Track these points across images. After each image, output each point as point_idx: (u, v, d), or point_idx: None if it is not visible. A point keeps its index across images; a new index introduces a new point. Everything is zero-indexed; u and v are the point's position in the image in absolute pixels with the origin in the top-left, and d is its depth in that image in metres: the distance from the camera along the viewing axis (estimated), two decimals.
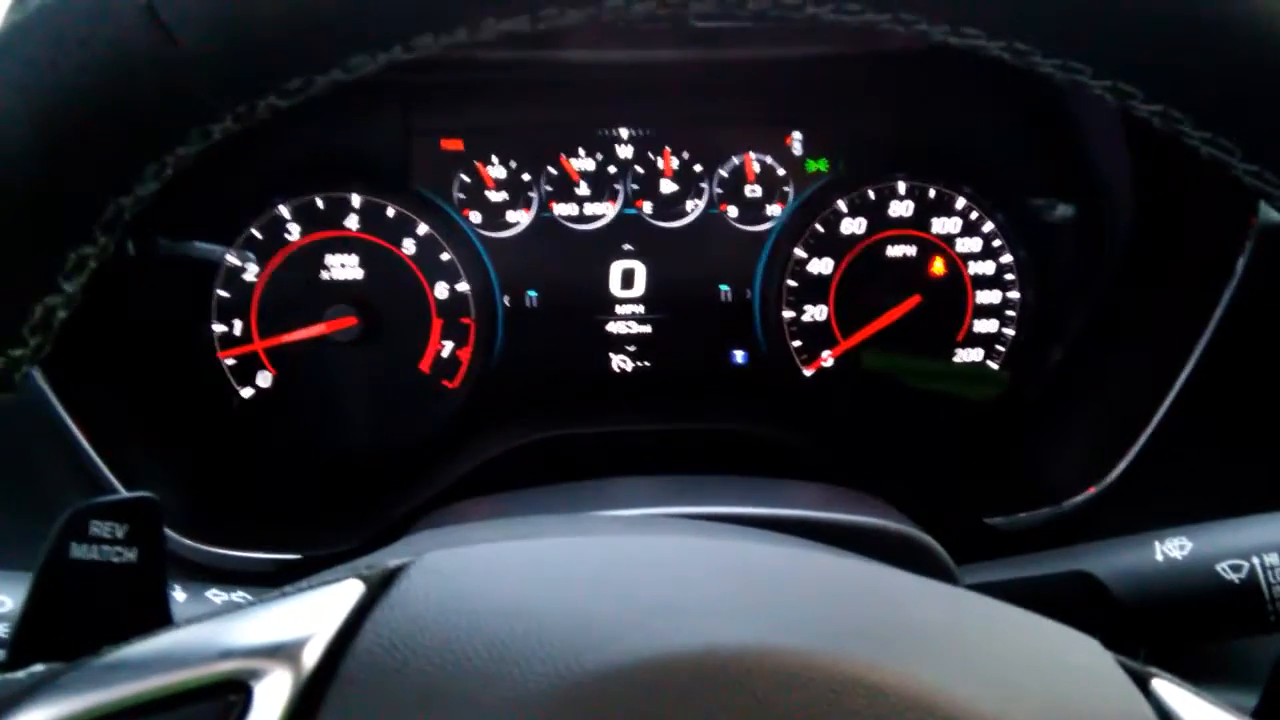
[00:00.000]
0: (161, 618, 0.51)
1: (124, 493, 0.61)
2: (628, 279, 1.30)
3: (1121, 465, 1.04)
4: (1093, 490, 1.04)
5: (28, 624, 0.48)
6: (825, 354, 1.30)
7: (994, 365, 1.30)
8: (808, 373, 1.30)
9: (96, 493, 0.52)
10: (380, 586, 0.43)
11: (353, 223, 1.23)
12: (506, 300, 1.28)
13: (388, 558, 0.46)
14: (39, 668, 0.43)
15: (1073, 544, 0.87)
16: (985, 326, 1.29)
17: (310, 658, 0.39)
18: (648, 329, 1.31)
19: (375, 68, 0.44)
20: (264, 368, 1.23)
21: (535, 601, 0.41)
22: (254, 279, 1.21)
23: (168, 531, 0.96)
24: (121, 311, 1.10)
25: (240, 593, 0.78)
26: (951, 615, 0.45)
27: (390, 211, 1.23)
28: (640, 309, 1.30)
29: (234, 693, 0.38)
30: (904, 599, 0.46)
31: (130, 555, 0.50)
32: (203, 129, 0.42)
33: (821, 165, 1.30)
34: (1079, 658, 0.45)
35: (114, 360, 1.08)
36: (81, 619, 0.49)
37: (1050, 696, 0.40)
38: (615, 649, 0.37)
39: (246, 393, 1.23)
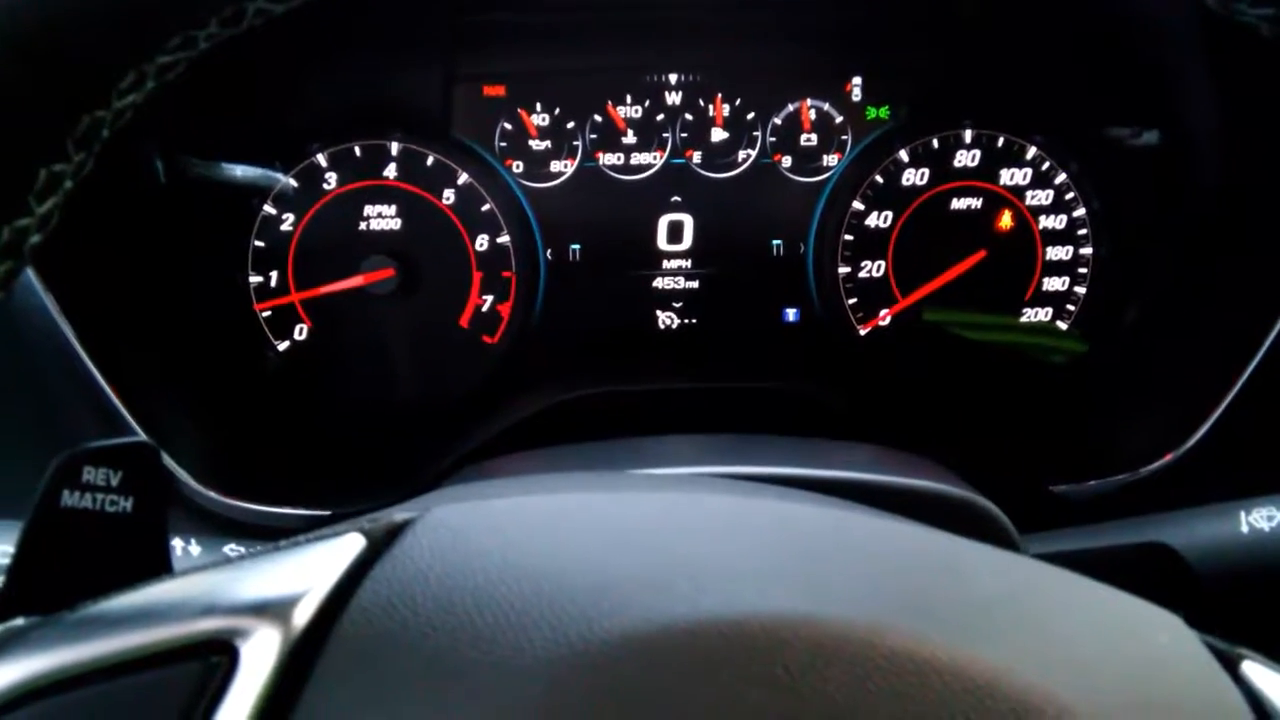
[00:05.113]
0: (160, 571, 0.48)
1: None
2: (675, 232, 1.25)
3: (1203, 429, 0.97)
4: (1170, 456, 0.98)
5: (15, 576, 0.45)
6: (882, 312, 1.24)
7: (1063, 325, 1.23)
8: (863, 331, 1.25)
9: None
10: (383, 542, 0.40)
11: (391, 171, 1.19)
12: (549, 253, 1.24)
13: (397, 512, 0.42)
14: (19, 621, 0.41)
15: (1147, 514, 0.81)
16: (1055, 284, 1.23)
17: (302, 617, 0.36)
18: (695, 285, 1.26)
19: None
20: (300, 320, 1.21)
21: (548, 561, 0.38)
22: (291, 228, 1.19)
23: (190, 482, 0.95)
24: (153, 252, 1.08)
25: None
26: (1017, 586, 0.41)
27: (430, 160, 1.20)
28: (687, 264, 1.26)
29: (217, 653, 0.35)
30: (963, 567, 0.42)
31: (125, 504, 0.47)
32: (187, 35, 0.39)
33: (882, 113, 1.24)
34: (1160, 637, 0.40)
35: (144, 306, 1.06)
36: (73, 571, 0.46)
37: (1128, 678, 0.36)
38: (633, 614, 0.34)
39: (282, 345, 1.21)
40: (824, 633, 0.33)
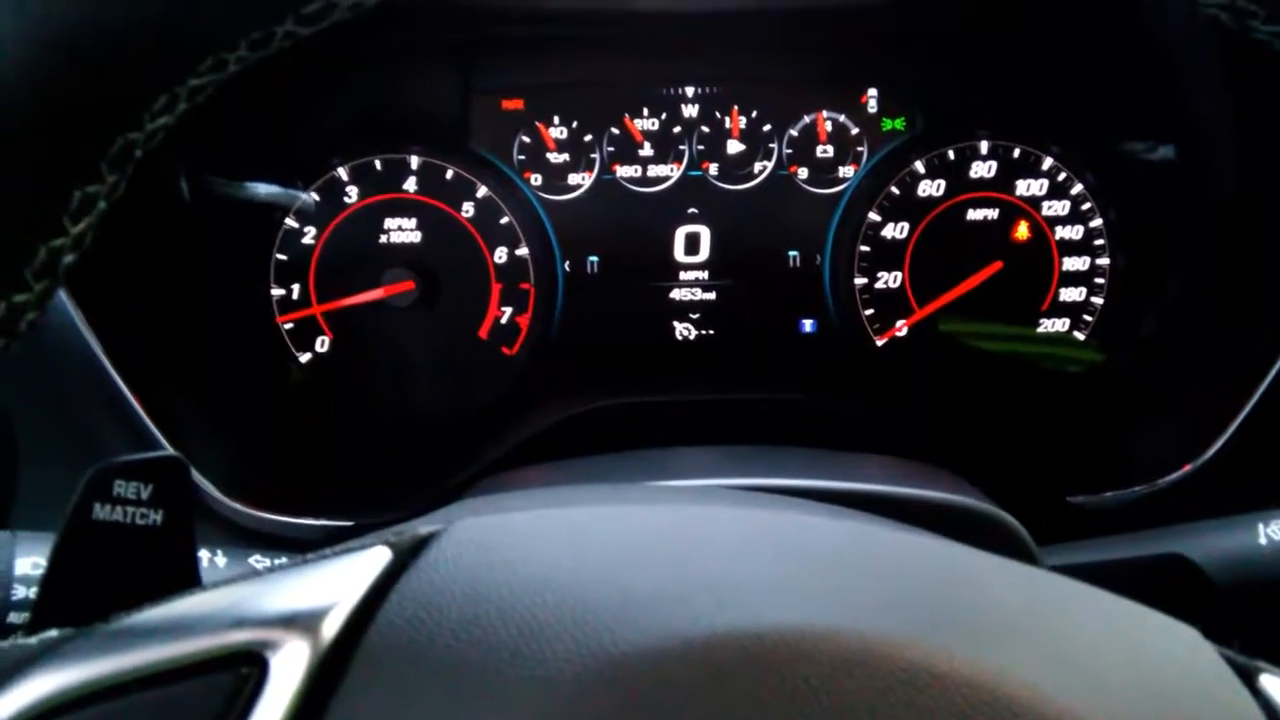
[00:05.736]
0: (188, 583, 0.49)
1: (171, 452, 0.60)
2: (692, 244, 1.26)
3: (1220, 441, 0.97)
4: (1188, 468, 0.98)
5: (48, 588, 0.46)
6: (899, 323, 1.24)
7: (1080, 336, 1.23)
8: (880, 342, 1.25)
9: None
10: (409, 554, 0.40)
11: (411, 185, 1.20)
12: (567, 265, 1.25)
13: (421, 525, 0.43)
14: (52, 633, 0.41)
15: (1165, 525, 0.81)
16: (1072, 295, 1.23)
17: (330, 629, 0.36)
18: (712, 296, 1.26)
19: None
20: (322, 332, 1.22)
21: (571, 573, 0.38)
22: (312, 241, 1.20)
23: (215, 494, 0.96)
24: (178, 269, 1.10)
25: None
26: (1035, 599, 0.41)
27: (449, 173, 1.21)
28: (704, 275, 1.26)
29: (248, 665, 0.35)
30: (981, 580, 0.42)
31: (155, 517, 0.48)
32: (216, 59, 0.39)
33: (898, 124, 1.24)
34: (1177, 649, 0.40)
35: (169, 320, 1.07)
36: (105, 583, 0.47)
37: (1145, 692, 0.36)
38: (655, 627, 0.34)
39: (304, 358, 1.22)
40: (845, 646, 0.33)
